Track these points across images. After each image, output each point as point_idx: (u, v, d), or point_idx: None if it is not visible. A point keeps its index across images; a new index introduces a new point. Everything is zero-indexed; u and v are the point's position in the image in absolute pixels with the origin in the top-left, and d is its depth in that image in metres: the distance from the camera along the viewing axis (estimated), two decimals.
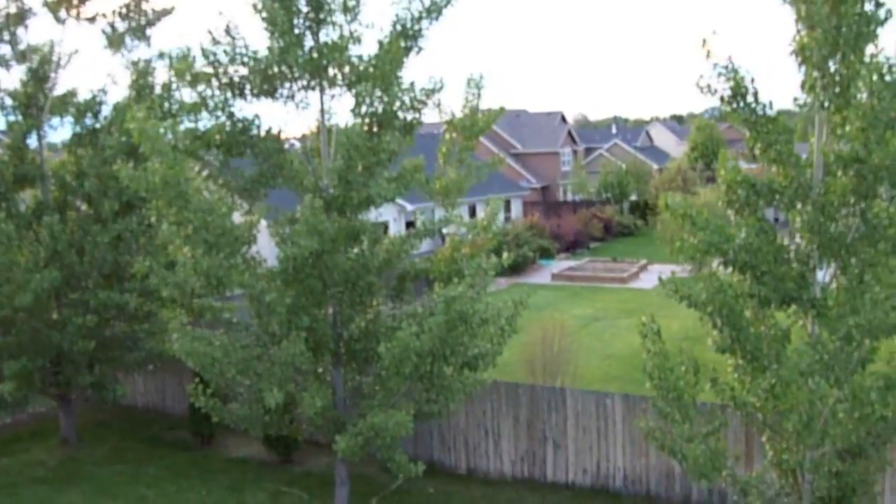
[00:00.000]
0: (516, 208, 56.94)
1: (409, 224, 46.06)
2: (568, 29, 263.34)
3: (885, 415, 10.95)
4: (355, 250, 14.44)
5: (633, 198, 67.63)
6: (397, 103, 13.88)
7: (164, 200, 12.91)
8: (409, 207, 45.93)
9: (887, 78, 10.23)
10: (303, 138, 15.85)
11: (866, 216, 10.58)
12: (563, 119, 75.83)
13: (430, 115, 16.22)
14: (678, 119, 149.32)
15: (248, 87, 14.49)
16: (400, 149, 14.29)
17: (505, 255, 14.86)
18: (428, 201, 15.36)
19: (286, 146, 14.85)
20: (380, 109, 13.68)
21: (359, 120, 13.61)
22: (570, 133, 75.59)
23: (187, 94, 15.11)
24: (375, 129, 13.75)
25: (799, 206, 10.91)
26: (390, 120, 13.76)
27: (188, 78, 14.13)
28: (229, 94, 14.39)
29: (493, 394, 17.68)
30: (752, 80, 11.46)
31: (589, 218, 56.27)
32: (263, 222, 14.91)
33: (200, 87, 14.24)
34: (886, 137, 9.80)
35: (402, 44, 14.08)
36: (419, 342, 12.99)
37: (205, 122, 14.66)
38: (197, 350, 13.33)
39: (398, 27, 14.18)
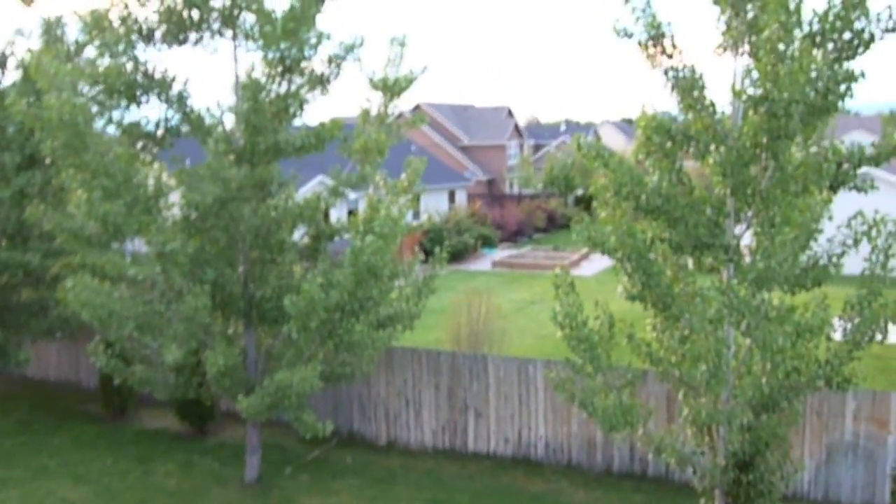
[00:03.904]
0: (460, 199, 56.57)
1: (351, 213, 45.33)
2: (521, 32, 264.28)
3: (797, 366, 10.75)
4: (266, 203, 13.89)
5: (580, 192, 67.65)
6: (307, 49, 13.37)
7: (61, 141, 12.25)
8: (352, 195, 45.27)
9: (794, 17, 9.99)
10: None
11: (778, 159, 10.32)
12: (510, 113, 75.65)
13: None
14: (628, 121, 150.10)
15: (157, 33, 13.90)
16: (313, 99, 13.79)
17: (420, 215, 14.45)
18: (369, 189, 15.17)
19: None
20: (289, 54, 13.14)
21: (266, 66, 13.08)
22: (516, 127, 75.43)
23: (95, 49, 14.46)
24: (284, 75, 13.20)
25: (713, 148, 10.59)
26: (299, 66, 13.22)
27: (91, 21, 13.47)
28: (135, 38, 13.78)
29: (414, 362, 17.21)
30: (670, 24, 11.20)
31: (533, 209, 56.12)
32: None
33: (106, 33, 13.60)
34: (794, 70, 9.51)
35: None
36: (326, 296, 12.48)
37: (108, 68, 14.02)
38: (93, 301, 12.65)
39: None
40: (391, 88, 15.94)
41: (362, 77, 15.79)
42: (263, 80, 12.66)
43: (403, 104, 16.01)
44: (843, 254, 10.38)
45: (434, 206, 47.94)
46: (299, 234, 15.11)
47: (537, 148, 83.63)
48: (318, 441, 17.41)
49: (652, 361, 11.90)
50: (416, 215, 44.19)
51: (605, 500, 14.89)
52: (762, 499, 11.50)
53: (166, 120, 13.84)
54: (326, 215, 15.54)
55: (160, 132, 13.89)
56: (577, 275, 39.91)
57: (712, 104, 11.07)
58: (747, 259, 10.72)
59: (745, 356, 11.06)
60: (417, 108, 65.52)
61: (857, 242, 10.30)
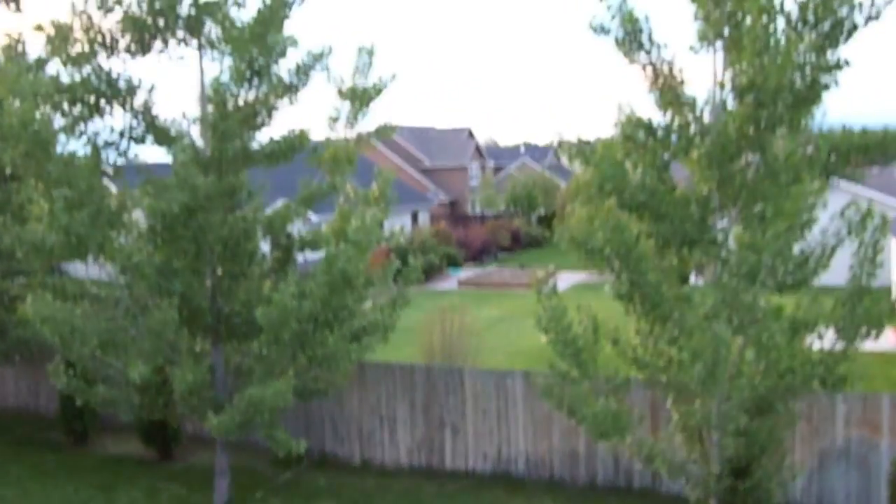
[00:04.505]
0: (423, 219, 56.25)
1: None
2: (475, 56, 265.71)
3: (793, 366, 10.44)
4: (235, 214, 13.37)
5: (542, 212, 67.64)
6: (275, 54, 12.97)
7: (21, 151, 11.67)
8: (314, 219, 44.67)
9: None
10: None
11: (766, 149, 10.08)
12: (471, 134, 75.60)
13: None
14: (587, 143, 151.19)
15: (120, 42, 13.42)
16: (281, 107, 13.40)
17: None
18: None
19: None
20: (257, 58, 12.71)
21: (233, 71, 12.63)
22: (477, 148, 75.42)
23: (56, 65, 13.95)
24: (252, 80, 12.75)
25: (697, 141, 10.32)
26: (267, 71, 12.79)
27: (54, 34, 12.98)
28: (98, 48, 13.30)
29: (388, 377, 16.70)
30: (647, 19, 10.96)
31: (497, 228, 55.91)
32: None
33: (68, 44, 13.12)
34: (782, 55, 9.29)
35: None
36: (299, 306, 11.98)
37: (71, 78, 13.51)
38: (54, 317, 12.00)
39: None
40: (360, 98, 15.55)
41: (331, 88, 15.44)
42: (231, 84, 12.19)
43: (374, 117, 15.64)
44: (836, 245, 10.12)
45: (397, 227, 47.53)
46: (268, 247, 14.59)
47: (497, 170, 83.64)
48: (289, 463, 16.82)
49: (638, 366, 11.55)
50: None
51: None
52: None
53: (131, 129, 13.28)
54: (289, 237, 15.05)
55: (124, 142, 13.33)
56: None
57: (693, 99, 10.83)
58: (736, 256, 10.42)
59: (737, 357, 10.73)
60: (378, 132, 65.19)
61: (851, 232, 10.06)
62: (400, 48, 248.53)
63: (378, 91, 15.71)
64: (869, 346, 11.13)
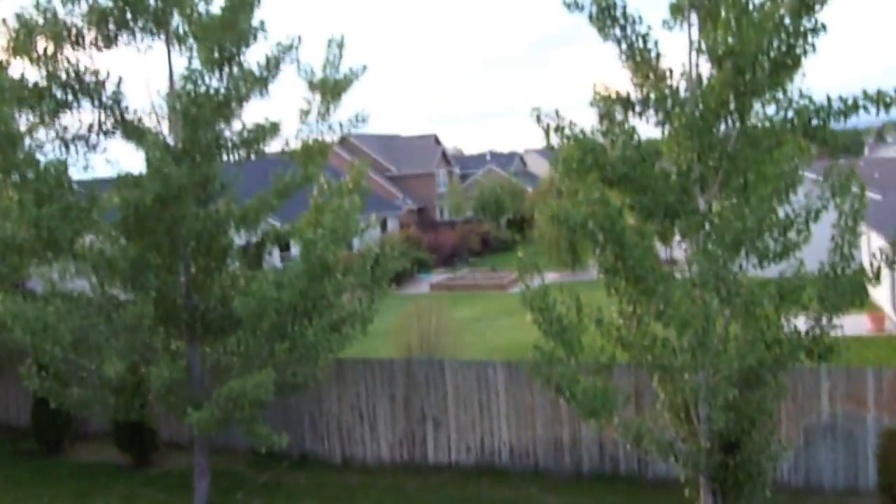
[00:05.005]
0: (392, 226, 56.04)
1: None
2: (438, 66, 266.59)
3: (779, 337, 10.39)
4: (208, 207, 13.13)
5: (510, 216, 67.66)
6: (244, 41, 12.79)
7: None
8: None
9: None
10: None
11: (745, 120, 10.04)
12: (437, 141, 75.55)
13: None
14: (552, 149, 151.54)
15: (86, 36, 13.16)
16: (250, 92, 13.20)
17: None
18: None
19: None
20: (227, 46, 12.52)
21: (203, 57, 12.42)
22: (444, 155, 75.35)
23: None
24: (223, 67, 12.54)
25: (676, 111, 10.24)
26: (237, 58, 12.59)
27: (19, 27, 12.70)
28: (64, 42, 13.02)
29: (367, 372, 16.47)
30: None
31: (467, 232, 55.80)
32: None
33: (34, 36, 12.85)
34: (760, 19, 9.25)
35: None
36: (278, 295, 11.74)
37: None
38: (25, 314, 11.64)
39: None
40: (331, 90, 15.37)
41: (301, 82, 15.26)
42: (202, 71, 11.98)
43: (343, 110, 15.48)
44: (820, 210, 10.08)
45: (366, 234, 47.29)
46: (243, 241, 14.33)
47: (464, 177, 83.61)
48: (269, 464, 16.56)
49: (623, 346, 11.42)
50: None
51: (578, 503, 14.30)
52: (751, 482, 11.02)
53: (100, 123, 13.00)
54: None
55: (94, 136, 13.04)
56: (518, 293, 39.72)
57: (669, 70, 10.78)
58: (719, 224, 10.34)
59: (724, 330, 10.65)
60: (343, 140, 64.89)
61: (834, 195, 10.03)
62: (360, 56, 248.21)
63: (349, 82, 15.54)
64: (848, 330, 11.12)
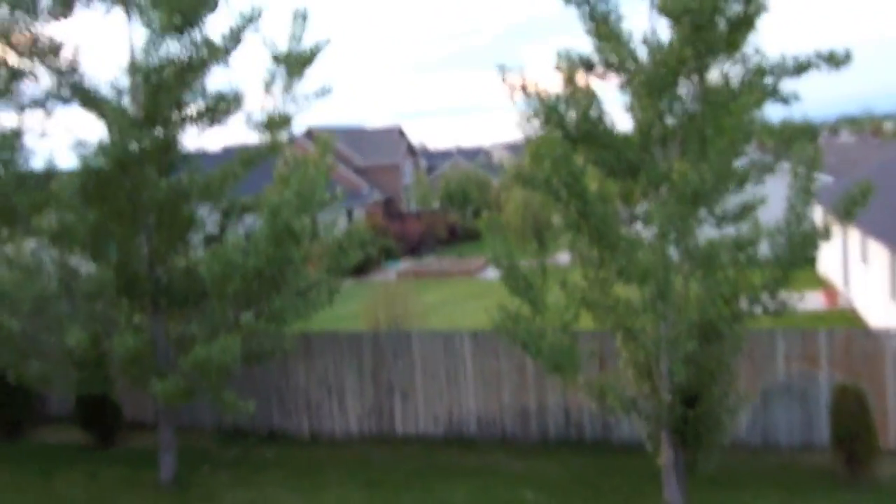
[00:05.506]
0: (359, 216, 55.89)
1: None
2: (404, 61, 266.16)
3: (737, 291, 10.55)
4: (170, 177, 13.04)
5: (476, 208, 67.75)
6: (204, 11, 12.74)
7: None
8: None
9: None
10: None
11: (704, 78, 10.18)
12: (402, 133, 75.41)
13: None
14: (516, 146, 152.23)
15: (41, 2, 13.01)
16: (211, 61, 13.13)
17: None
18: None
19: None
20: (186, 14, 12.43)
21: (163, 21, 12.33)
22: (409, 147, 75.24)
23: None
24: (184, 31, 12.46)
25: (636, 68, 10.36)
26: (198, 22, 12.52)
27: None
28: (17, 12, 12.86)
29: (334, 346, 16.46)
30: None
31: (434, 222, 55.79)
32: None
33: None
34: None
35: None
36: (243, 261, 11.70)
37: None
38: None
39: None
40: (295, 62, 15.31)
41: (264, 55, 15.21)
42: (163, 35, 11.90)
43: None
44: (776, 163, 10.25)
45: (331, 214, 47.25)
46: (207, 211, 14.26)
47: (430, 170, 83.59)
48: (236, 441, 16.52)
49: (587, 306, 11.54)
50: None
51: (544, 468, 14.41)
52: (711, 434, 11.21)
53: (58, 89, 12.85)
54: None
55: (50, 104, 12.89)
56: (484, 278, 39.87)
57: (630, 31, 10.91)
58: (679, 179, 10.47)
59: (684, 286, 10.81)
60: (310, 132, 64.59)
61: (790, 143, 10.20)
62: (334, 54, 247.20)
63: (313, 55, 15.49)
64: (800, 306, 11.32)
